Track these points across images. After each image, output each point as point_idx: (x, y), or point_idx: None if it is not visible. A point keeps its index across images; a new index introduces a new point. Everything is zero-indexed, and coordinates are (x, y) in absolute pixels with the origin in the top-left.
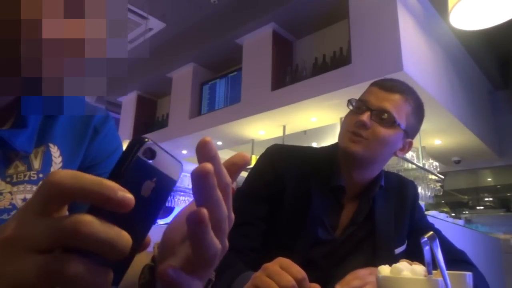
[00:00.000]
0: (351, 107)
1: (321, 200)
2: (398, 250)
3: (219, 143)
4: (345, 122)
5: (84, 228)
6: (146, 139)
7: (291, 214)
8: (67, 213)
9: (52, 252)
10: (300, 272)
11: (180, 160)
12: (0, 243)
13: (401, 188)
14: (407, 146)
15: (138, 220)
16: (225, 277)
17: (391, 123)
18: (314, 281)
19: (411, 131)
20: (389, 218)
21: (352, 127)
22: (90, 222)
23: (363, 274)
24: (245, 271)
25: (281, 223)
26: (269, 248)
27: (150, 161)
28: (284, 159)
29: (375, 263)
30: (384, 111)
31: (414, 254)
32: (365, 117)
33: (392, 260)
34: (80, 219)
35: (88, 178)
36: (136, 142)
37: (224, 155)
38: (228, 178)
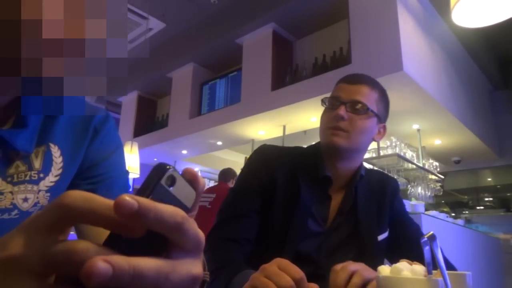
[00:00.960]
0: (325, 105)
1: (309, 192)
2: (380, 237)
3: (219, 143)
4: (323, 120)
5: (75, 257)
6: (168, 167)
7: (282, 207)
8: (68, 236)
9: (49, 279)
10: (299, 272)
11: (195, 188)
12: (2, 261)
13: (382, 182)
14: (382, 131)
15: (152, 245)
16: (224, 274)
17: (365, 111)
18: (307, 274)
19: (383, 116)
20: (371, 207)
21: (331, 122)
22: (83, 250)
23: (345, 264)
24: (244, 268)
25: (273, 216)
26: (264, 242)
27: (170, 188)
28: (274, 157)
29: (360, 249)
30: (356, 102)
31: (395, 243)
32: (341, 110)
33: (375, 246)
34: (73, 247)
35: (100, 202)
36: (159, 170)
37: (224, 155)
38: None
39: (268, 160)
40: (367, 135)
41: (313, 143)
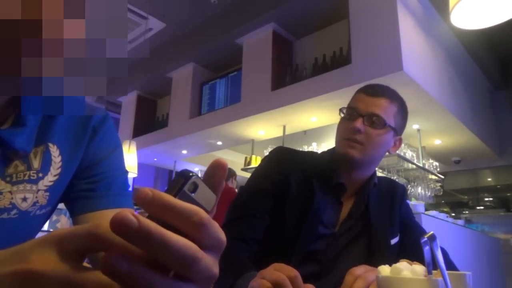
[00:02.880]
0: (342, 115)
1: (322, 197)
2: (393, 241)
3: (219, 143)
4: (339, 130)
5: None
6: (191, 174)
7: (294, 210)
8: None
9: None
10: (293, 271)
11: (215, 192)
12: (23, 273)
13: (392, 188)
14: (398, 143)
15: None
16: (228, 274)
17: (382, 125)
18: (314, 274)
19: (399, 129)
20: (383, 213)
21: (347, 134)
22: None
23: (361, 272)
24: (249, 270)
25: (285, 219)
26: (274, 243)
27: (193, 194)
28: (288, 160)
29: (374, 253)
30: (374, 115)
31: (401, 247)
32: (359, 123)
33: (388, 249)
34: (99, 279)
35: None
36: (183, 177)
37: (224, 155)
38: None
39: (282, 162)
40: (383, 149)
41: (314, 144)
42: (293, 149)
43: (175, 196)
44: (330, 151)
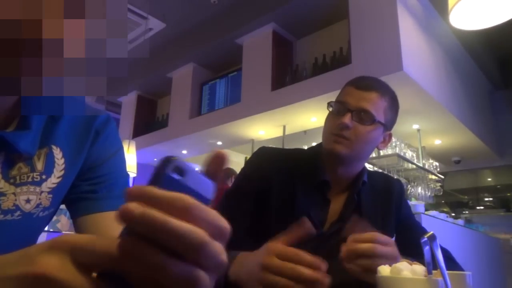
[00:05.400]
0: (331, 109)
1: (306, 196)
2: None
3: (219, 143)
4: (327, 125)
5: None
6: (173, 157)
7: (278, 212)
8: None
9: None
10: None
11: (213, 179)
12: (33, 277)
13: (387, 185)
14: (387, 139)
15: None
16: None
17: (371, 121)
18: None
19: (390, 124)
20: (376, 214)
21: (335, 129)
22: None
23: (381, 240)
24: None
25: (269, 221)
26: (259, 246)
27: (181, 178)
28: (269, 159)
29: None
30: (363, 110)
31: (401, 248)
32: (347, 119)
33: None
34: None
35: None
36: (164, 160)
37: None
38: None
39: (264, 163)
40: (371, 145)
41: (314, 144)
42: (277, 149)
43: (159, 182)
44: (317, 147)
